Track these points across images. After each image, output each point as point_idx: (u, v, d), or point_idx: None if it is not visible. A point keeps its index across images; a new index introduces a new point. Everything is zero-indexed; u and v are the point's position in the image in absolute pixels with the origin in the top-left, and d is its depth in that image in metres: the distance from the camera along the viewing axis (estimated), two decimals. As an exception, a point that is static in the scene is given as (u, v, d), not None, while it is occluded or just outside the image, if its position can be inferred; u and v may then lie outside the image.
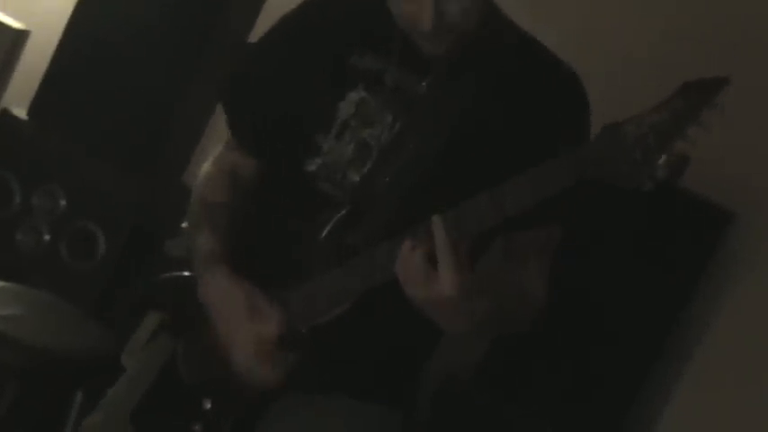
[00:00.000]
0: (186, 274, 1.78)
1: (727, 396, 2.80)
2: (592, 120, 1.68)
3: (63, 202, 3.02)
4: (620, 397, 2.72)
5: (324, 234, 1.63)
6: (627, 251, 2.65)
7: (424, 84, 1.66)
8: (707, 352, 2.84)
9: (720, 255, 2.75)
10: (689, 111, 1.33)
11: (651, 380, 2.75)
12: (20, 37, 3.16)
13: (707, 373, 2.83)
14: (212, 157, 1.86)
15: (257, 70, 1.82)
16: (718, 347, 2.84)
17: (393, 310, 1.59)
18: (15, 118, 3.09)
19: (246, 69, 1.86)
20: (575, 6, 3.05)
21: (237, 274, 1.66)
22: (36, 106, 3.12)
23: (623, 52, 2.94)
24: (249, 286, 1.63)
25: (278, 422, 1.66)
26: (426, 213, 1.49)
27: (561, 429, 2.66)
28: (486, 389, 2.78)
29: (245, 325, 1.61)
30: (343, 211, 1.63)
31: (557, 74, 1.69)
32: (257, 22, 3.17)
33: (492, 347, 2.78)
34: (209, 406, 1.66)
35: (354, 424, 1.69)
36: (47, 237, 3.03)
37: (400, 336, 1.71)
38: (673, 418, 2.86)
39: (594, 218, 2.55)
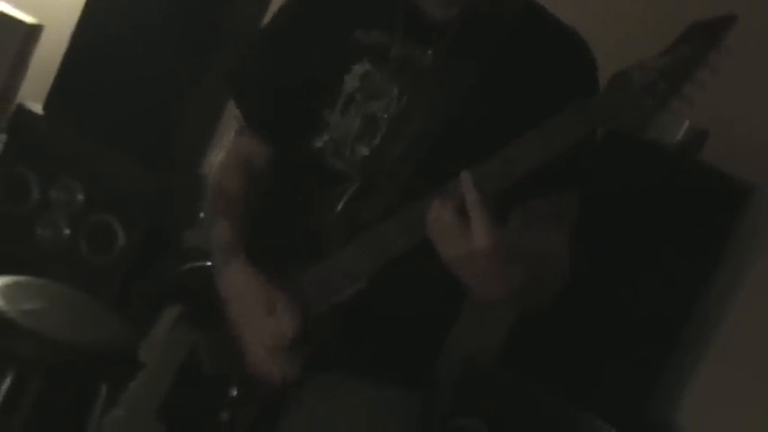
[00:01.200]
0: (204, 264, 1.77)
1: (749, 373, 2.79)
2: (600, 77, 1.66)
3: (81, 196, 3.03)
4: (643, 378, 2.70)
5: (336, 211, 1.62)
6: (647, 228, 2.62)
7: (429, 53, 1.65)
8: (728, 330, 2.83)
9: (740, 228, 2.72)
10: (696, 53, 1.33)
11: (674, 359, 2.73)
12: (33, 31, 3.17)
13: (730, 351, 2.82)
14: (225, 146, 1.86)
15: (265, 52, 1.81)
16: (739, 325, 2.83)
17: (410, 286, 1.61)
18: (31, 113, 3.10)
19: (254, 52, 1.86)
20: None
21: (255, 265, 1.65)
22: (51, 101, 3.13)
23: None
24: (266, 280, 1.63)
25: (302, 406, 1.64)
26: (438, 184, 1.49)
27: (585, 410, 2.64)
28: (509, 370, 2.77)
29: (261, 320, 1.61)
30: (355, 186, 1.63)
31: (561, 35, 1.67)
32: (268, 12, 3.11)
33: (514, 328, 2.78)
34: (234, 393, 1.65)
35: (376, 408, 1.68)
36: (66, 231, 3.04)
37: (420, 313, 1.71)
38: (696, 399, 2.86)
39: (613, 195, 2.54)
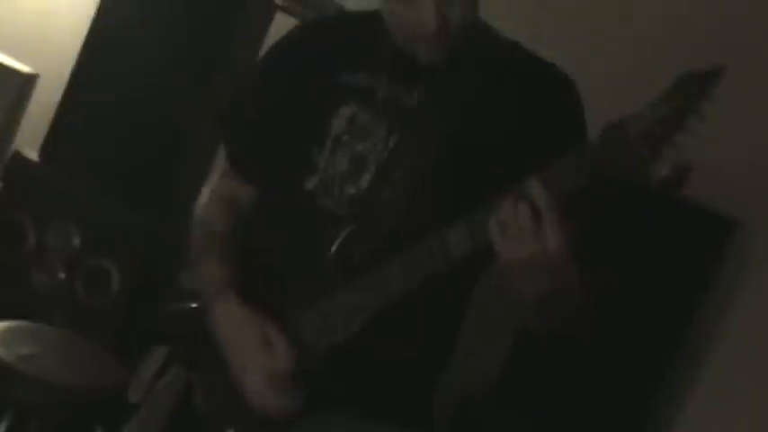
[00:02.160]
0: (193, 305, 1.78)
1: (736, 399, 2.80)
2: (588, 117, 1.67)
3: (76, 241, 3.00)
4: (634, 412, 2.73)
5: (331, 253, 1.62)
6: (636, 262, 2.63)
7: (415, 94, 1.66)
8: (717, 356, 2.84)
9: (726, 262, 2.75)
10: (688, 103, 1.34)
11: (664, 389, 2.76)
12: (29, 80, 3.18)
13: (718, 378, 2.84)
14: (209, 187, 1.87)
15: (252, 98, 1.83)
16: (727, 352, 2.84)
17: (406, 327, 1.62)
18: (27, 159, 3.08)
19: (241, 98, 1.87)
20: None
21: (248, 302, 1.66)
22: (47, 147, 3.10)
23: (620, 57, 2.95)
24: (261, 317, 1.63)
25: None
26: (429, 225, 1.50)
27: None
28: (502, 406, 2.78)
29: (257, 358, 1.61)
30: (348, 230, 1.62)
31: (546, 76, 1.68)
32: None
33: (507, 363, 2.77)
34: None
35: None
36: (62, 275, 3.00)
37: (415, 353, 1.70)
38: (687, 425, 2.87)
39: (602, 228, 2.59)
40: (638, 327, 2.73)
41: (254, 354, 1.61)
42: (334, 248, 1.62)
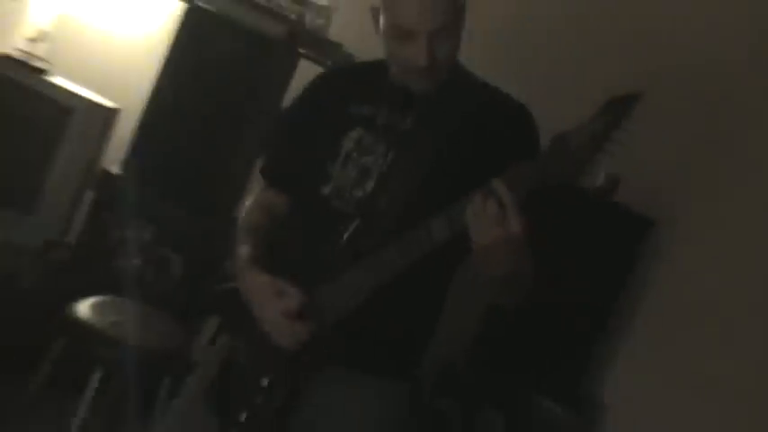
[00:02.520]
0: (233, 285, 1.78)
1: (648, 361, 2.97)
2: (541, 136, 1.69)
3: (148, 235, 3.11)
4: (575, 364, 2.94)
5: (342, 242, 1.63)
6: (575, 251, 2.78)
7: (408, 120, 1.67)
8: (636, 332, 3.00)
9: (645, 249, 2.90)
10: (615, 120, 1.37)
11: (597, 353, 2.95)
12: (113, 113, 3.18)
13: (636, 347, 2.99)
14: (252, 195, 1.88)
15: (284, 131, 1.86)
16: (645, 321, 2.99)
17: (401, 301, 1.62)
18: (111, 174, 3.18)
19: (277, 131, 1.90)
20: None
21: (267, 271, 1.66)
22: (126, 165, 3.18)
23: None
24: (274, 277, 1.64)
25: (315, 393, 1.67)
26: (418, 221, 1.52)
27: (535, 391, 2.84)
28: (473, 365, 2.94)
29: (272, 301, 1.62)
30: (355, 224, 1.64)
31: (508, 106, 1.70)
32: (284, 99, 3.16)
33: (479, 333, 2.92)
34: (266, 383, 1.68)
35: (372, 394, 1.70)
36: (137, 261, 3.10)
37: (408, 322, 1.71)
38: (615, 379, 3.01)
39: (550, 223, 2.66)
40: (577, 301, 2.85)
41: (270, 299, 1.62)
42: (344, 239, 1.63)
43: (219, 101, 3.09)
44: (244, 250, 1.73)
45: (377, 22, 1.62)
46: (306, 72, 3.15)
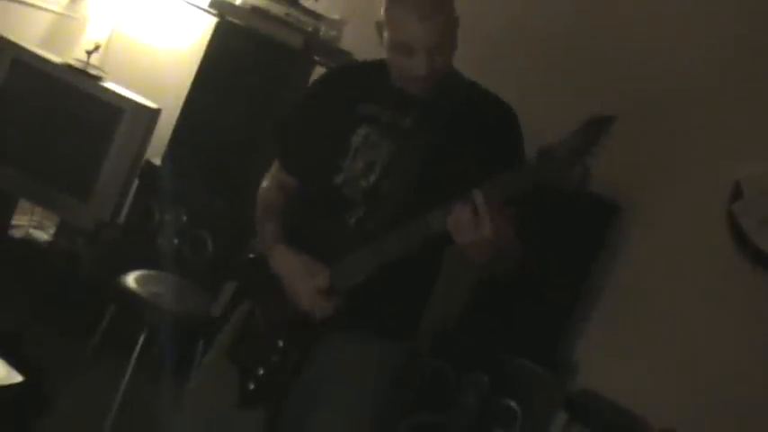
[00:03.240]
0: (253, 256, 1.81)
1: (614, 328, 3.00)
2: (526, 139, 1.71)
3: (184, 218, 3.13)
4: (552, 330, 2.89)
5: (350, 226, 1.66)
6: (548, 237, 2.63)
7: (408, 119, 1.67)
8: (604, 305, 3.01)
9: (611, 232, 2.89)
10: (594, 136, 1.40)
11: (571, 321, 2.93)
12: (155, 113, 3.22)
13: (603, 321, 3.01)
14: (268, 176, 1.87)
15: (298, 120, 1.83)
16: (612, 297, 3.01)
17: (400, 276, 1.64)
18: (154, 165, 3.24)
19: (291, 120, 1.86)
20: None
21: (293, 248, 1.69)
22: (167, 156, 3.25)
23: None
24: (304, 255, 1.67)
25: (326, 352, 1.70)
26: (416, 207, 1.54)
27: (517, 354, 2.81)
28: (462, 331, 2.92)
29: (305, 280, 1.64)
30: (362, 210, 1.66)
31: (495, 107, 1.71)
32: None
33: (468, 301, 2.90)
34: (281, 344, 1.70)
35: (375, 352, 1.73)
36: (175, 241, 3.12)
37: (406, 292, 1.74)
38: (584, 345, 3.03)
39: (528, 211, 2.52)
40: (554, 276, 2.80)
41: (303, 278, 1.64)
42: (352, 223, 1.66)
43: (245, 101, 3.11)
44: (269, 227, 1.75)
45: (381, 35, 1.64)
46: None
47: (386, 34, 1.63)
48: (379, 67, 1.71)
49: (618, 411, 2.86)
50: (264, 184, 1.87)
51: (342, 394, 1.71)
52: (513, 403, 2.81)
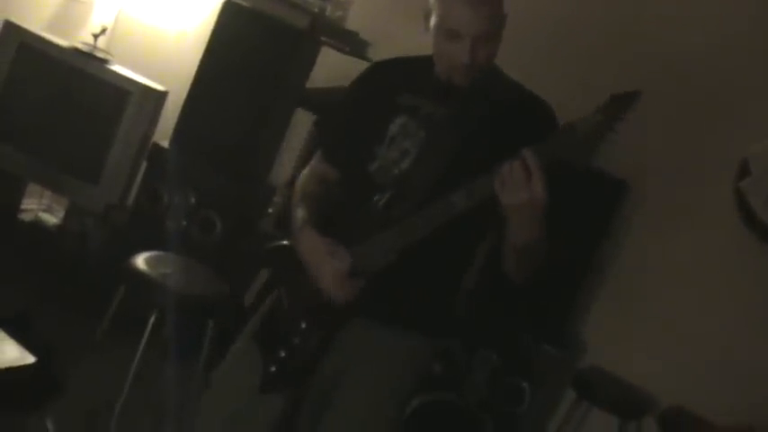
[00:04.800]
0: (282, 243, 1.81)
1: (622, 305, 2.99)
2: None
3: (193, 200, 3.13)
4: (560, 307, 2.89)
5: (378, 209, 1.66)
6: (557, 214, 2.63)
7: (447, 110, 1.68)
8: (611, 282, 3.00)
9: (620, 208, 2.89)
10: (618, 113, 1.40)
11: (578, 302, 2.93)
12: (162, 95, 3.22)
13: (611, 298, 3.01)
14: (309, 166, 1.87)
15: (341, 113, 1.85)
16: (620, 270, 3.00)
17: (426, 267, 1.65)
18: (161, 147, 3.24)
19: (334, 112, 1.89)
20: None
21: (320, 232, 1.69)
22: (174, 139, 3.24)
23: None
24: (329, 238, 1.67)
25: (347, 340, 1.69)
26: (445, 194, 1.54)
27: (525, 332, 2.81)
28: (471, 310, 2.82)
29: (327, 263, 1.65)
30: (389, 194, 1.66)
31: (537, 107, 1.70)
32: (309, 80, 3.22)
33: (478, 281, 2.78)
34: (304, 325, 1.70)
35: (405, 347, 1.72)
36: (184, 222, 3.13)
37: (432, 285, 1.72)
38: (593, 322, 3.04)
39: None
40: (562, 253, 2.56)
41: (325, 260, 1.65)
42: (379, 205, 1.66)
43: (252, 83, 3.10)
44: (300, 213, 1.76)
45: (427, 21, 1.66)
46: (326, 57, 3.24)
47: (433, 20, 1.64)
48: (424, 61, 1.72)
49: (626, 388, 2.84)
50: (304, 173, 1.88)
51: (362, 390, 1.70)
52: (522, 382, 2.79)
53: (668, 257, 2.93)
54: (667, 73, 2.87)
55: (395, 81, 1.76)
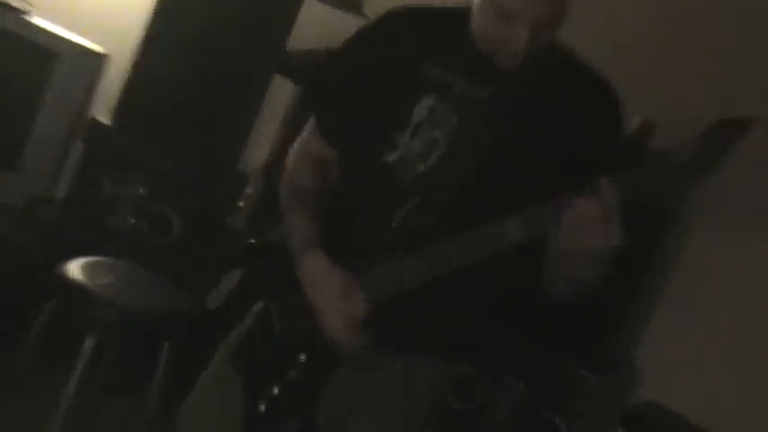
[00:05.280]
0: (263, 241, 1.79)
1: (685, 332, 2.87)
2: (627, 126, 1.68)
3: (142, 190, 3.09)
4: (602, 331, 2.77)
5: (396, 220, 1.62)
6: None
7: (487, 92, 1.61)
8: (670, 298, 2.89)
9: (679, 213, 2.78)
10: (722, 145, 1.34)
11: (628, 321, 2.81)
12: (102, 59, 3.17)
13: (669, 318, 2.89)
14: (300, 141, 1.82)
15: (341, 74, 1.78)
16: (677, 297, 2.88)
17: (447, 295, 1.61)
18: (101, 124, 3.18)
19: (332, 69, 1.81)
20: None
21: (331, 258, 1.65)
22: (117, 113, 3.19)
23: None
24: (344, 272, 1.63)
25: (356, 376, 1.68)
26: (484, 206, 1.50)
27: (559, 356, 2.71)
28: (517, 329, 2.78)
29: (339, 305, 1.61)
30: (414, 202, 1.62)
31: (599, 88, 1.64)
32: (288, 42, 3.22)
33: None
34: (304, 358, 1.67)
35: (423, 375, 1.72)
36: (131, 219, 3.10)
37: (457, 309, 1.70)
38: (648, 350, 2.92)
39: None
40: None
41: (336, 301, 1.61)
42: (399, 216, 1.62)
43: (218, 43, 3.09)
44: (301, 223, 1.70)
45: None
46: (310, 11, 3.21)
47: None
48: (456, 17, 1.64)
49: (687, 429, 2.75)
50: (294, 152, 1.82)
51: (374, 426, 1.71)
52: (555, 417, 2.70)
53: (740, 270, 2.84)
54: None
55: (418, 42, 1.67)
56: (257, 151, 3.35)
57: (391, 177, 1.64)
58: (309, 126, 1.80)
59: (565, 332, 2.76)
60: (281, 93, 3.23)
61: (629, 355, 2.95)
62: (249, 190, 3.16)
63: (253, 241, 1.80)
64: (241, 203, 3.16)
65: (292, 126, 2.98)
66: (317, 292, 1.64)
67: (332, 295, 1.62)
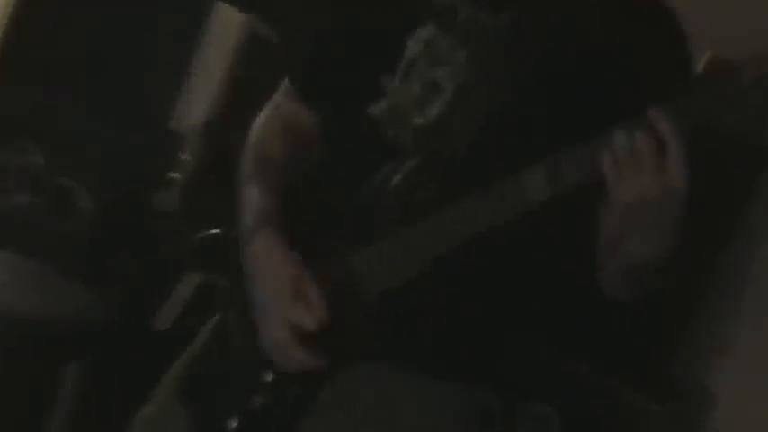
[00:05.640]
0: (227, 231, 1.72)
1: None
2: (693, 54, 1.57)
3: (39, 159, 2.90)
4: (659, 343, 2.64)
5: (390, 187, 1.57)
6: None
7: (505, 19, 1.56)
8: (748, 303, 2.65)
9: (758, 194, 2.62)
10: None
11: (693, 332, 2.65)
12: None
13: (748, 329, 2.65)
14: (270, 104, 1.80)
15: (330, 14, 1.77)
16: (757, 302, 2.63)
17: (475, 280, 1.55)
18: None
19: (307, 10, 1.87)
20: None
21: (288, 243, 1.59)
22: (2, 57, 2.98)
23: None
24: (300, 264, 1.56)
25: (344, 396, 1.59)
26: (505, 166, 1.44)
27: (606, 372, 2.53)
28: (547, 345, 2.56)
29: (284, 305, 1.55)
30: (413, 163, 1.56)
31: (653, 14, 1.56)
32: None
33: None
34: (270, 378, 1.61)
35: (425, 408, 1.60)
36: (24, 197, 2.90)
37: (478, 313, 1.60)
38: (720, 368, 2.71)
39: None
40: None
41: (282, 300, 1.55)
42: (394, 183, 1.56)
43: None
44: (258, 194, 1.66)
45: None
46: None
47: None
48: None
49: None
50: (262, 117, 1.81)
51: None
52: None
53: None
54: None
55: None
56: (195, 105, 3.09)
57: (378, 134, 1.60)
58: (282, 89, 1.80)
59: (616, 344, 2.60)
60: (226, 27, 3.05)
61: (699, 373, 2.80)
62: (185, 156, 2.97)
63: (217, 232, 1.73)
64: (174, 175, 2.93)
65: (242, 70, 2.93)
66: (259, 282, 1.60)
67: (278, 290, 1.56)
